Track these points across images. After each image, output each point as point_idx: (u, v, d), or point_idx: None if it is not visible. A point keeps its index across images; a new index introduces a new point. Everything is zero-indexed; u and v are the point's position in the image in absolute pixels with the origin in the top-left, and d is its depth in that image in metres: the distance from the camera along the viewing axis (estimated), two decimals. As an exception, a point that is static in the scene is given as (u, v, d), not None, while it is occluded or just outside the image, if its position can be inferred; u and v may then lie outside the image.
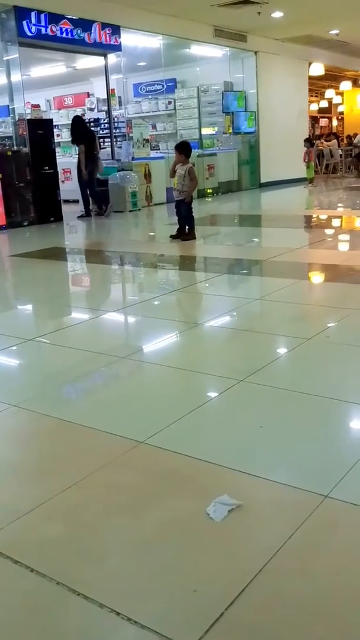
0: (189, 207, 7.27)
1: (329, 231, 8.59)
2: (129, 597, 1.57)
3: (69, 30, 10.00)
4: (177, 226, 7.41)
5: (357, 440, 2.42)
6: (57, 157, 10.32)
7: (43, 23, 9.53)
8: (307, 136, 14.42)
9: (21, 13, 9.23)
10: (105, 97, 12.39)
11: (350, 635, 1.43)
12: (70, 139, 11.89)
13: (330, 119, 27.43)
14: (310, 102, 20.52)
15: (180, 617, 1.50)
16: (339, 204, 11.99)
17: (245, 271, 6.03)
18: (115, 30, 10.81)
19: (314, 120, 24.92)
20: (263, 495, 2.00)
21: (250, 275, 5.85)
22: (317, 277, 5.57)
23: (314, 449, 2.28)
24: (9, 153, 9.45)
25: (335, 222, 9.47)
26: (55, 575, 1.65)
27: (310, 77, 16.89)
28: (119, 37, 10.92)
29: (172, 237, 7.35)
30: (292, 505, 1.93)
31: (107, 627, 1.49)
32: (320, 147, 19.08)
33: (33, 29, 9.42)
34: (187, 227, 7.28)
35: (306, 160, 14.39)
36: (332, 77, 20.25)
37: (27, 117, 9.74)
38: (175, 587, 1.60)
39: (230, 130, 14.28)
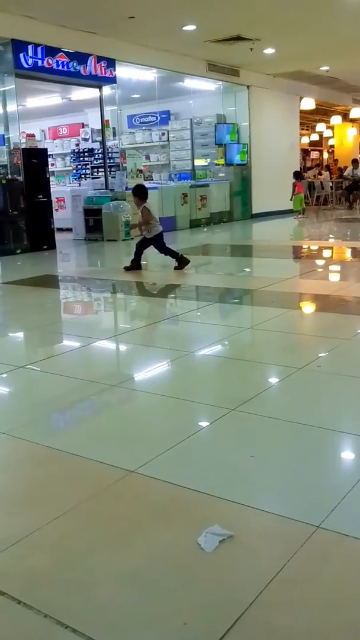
0: (160, 243, 7.34)
1: (319, 262, 8.66)
2: (118, 630, 1.54)
3: (65, 62, 10.17)
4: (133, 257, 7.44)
5: (348, 470, 2.40)
6: (51, 186, 10.41)
7: (40, 55, 9.70)
8: (297, 169, 14.61)
9: (18, 46, 9.39)
10: (100, 127, 12.55)
11: (343, 670, 1.41)
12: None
13: (321, 151, 27.87)
14: (302, 135, 20.88)
15: (170, 651, 1.47)
16: (330, 235, 12.12)
17: (236, 300, 6.05)
18: (111, 63, 11.00)
19: (305, 152, 25.31)
20: (254, 526, 1.98)
21: (241, 305, 5.88)
22: (308, 307, 5.60)
23: (305, 479, 2.27)
24: (4, 181, 9.52)
25: (326, 253, 9.56)
26: (42, 608, 1.62)
27: (302, 111, 17.21)
28: (114, 69, 11.11)
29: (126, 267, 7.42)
30: (283, 536, 1.91)
31: (95, 661, 1.46)
32: (311, 180, 19.37)
33: (30, 61, 9.57)
34: (178, 257, 7.28)
35: (295, 194, 14.57)
36: (322, 112, 20.63)
37: (22, 147, 9.84)
38: (165, 620, 1.57)
39: (223, 162, 14.47)
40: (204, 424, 2.85)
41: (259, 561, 1.80)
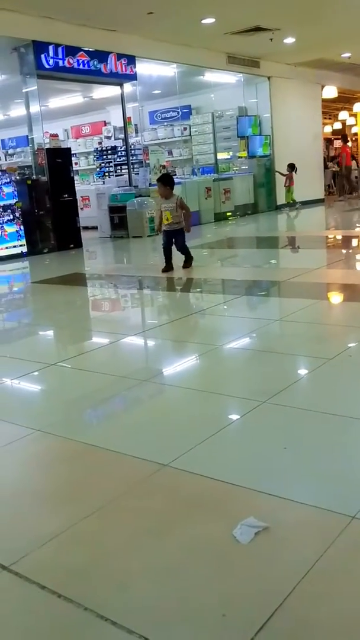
0: (184, 237, 7.02)
1: (346, 251, 8.57)
2: (157, 623, 1.56)
3: (85, 61, 10.22)
4: (171, 259, 7.00)
5: (383, 460, 2.39)
6: (75, 185, 10.47)
7: (60, 56, 9.75)
8: (292, 162, 14.39)
9: (39, 47, 9.46)
10: (122, 125, 12.58)
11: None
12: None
13: (344, 140, 27.47)
14: (324, 124, 20.63)
15: (209, 642, 1.49)
16: (356, 225, 11.98)
17: (264, 292, 6.03)
18: (131, 60, 11.02)
19: (328, 142, 25.01)
20: (289, 517, 1.98)
21: (269, 297, 5.85)
22: (336, 297, 5.55)
23: (339, 470, 2.26)
24: (29, 182, 9.62)
25: (353, 243, 9.46)
26: (82, 601, 1.65)
27: (324, 100, 17.01)
28: (134, 66, 11.12)
29: (165, 269, 6.93)
30: (319, 527, 1.90)
31: (135, 653, 1.48)
32: (335, 170, 19.16)
33: (51, 61, 9.63)
34: (187, 256, 7.03)
35: (287, 185, 14.40)
36: (345, 99, 20.36)
37: (46, 147, 9.91)
38: (204, 612, 1.58)
39: (245, 155, 14.39)
40: (236, 416, 2.86)
41: (295, 553, 1.80)
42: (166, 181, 7.04)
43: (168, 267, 6.95)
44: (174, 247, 7.02)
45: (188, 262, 7.03)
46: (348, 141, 18.06)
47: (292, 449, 2.44)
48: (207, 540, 1.88)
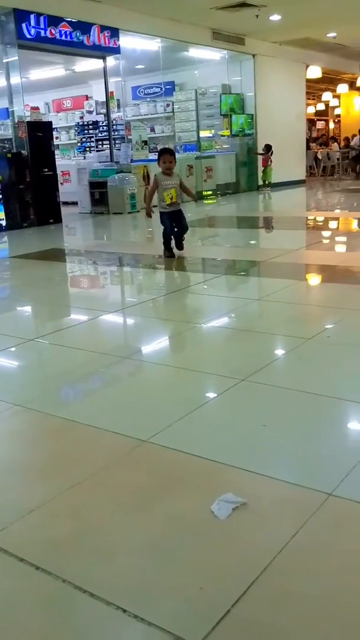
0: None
1: (326, 233, 8.61)
2: (135, 595, 1.57)
3: (68, 32, 10.02)
4: (172, 240, 6.38)
5: (359, 438, 2.42)
6: (56, 160, 10.34)
7: (42, 26, 9.56)
8: (268, 143, 14.34)
9: (20, 16, 9.25)
10: (104, 99, 12.41)
11: (356, 634, 1.44)
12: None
13: (327, 121, 27.48)
14: (308, 104, 20.57)
15: (187, 615, 1.51)
16: (337, 206, 12.02)
17: (243, 272, 6.04)
18: (114, 32, 10.84)
19: (311, 123, 24.97)
20: (267, 493, 2.00)
21: (249, 276, 5.87)
22: (315, 278, 5.58)
23: (317, 447, 2.29)
24: (9, 155, 9.47)
25: (333, 224, 9.50)
26: (60, 573, 1.65)
27: (308, 80, 16.95)
28: (118, 39, 10.95)
29: (170, 255, 6.33)
30: (296, 503, 1.93)
31: (114, 625, 1.49)
32: (316, 150, 19.17)
33: (32, 31, 9.44)
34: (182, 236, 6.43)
35: (264, 165, 14.38)
36: (329, 80, 20.31)
37: (27, 120, 9.75)
38: (182, 585, 1.60)
39: (228, 133, 14.31)
40: (215, 394, 2.87)
41: (272, 528, 1.82)
42: (174, 154, 6.37)
43: (171, 252, 6.33)
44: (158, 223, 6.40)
45: (182, 246, 6.41)
46: None
47: (270, 427, 2.47)
48: (185, 515, 1.90)
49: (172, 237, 6.34)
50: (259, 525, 1.85)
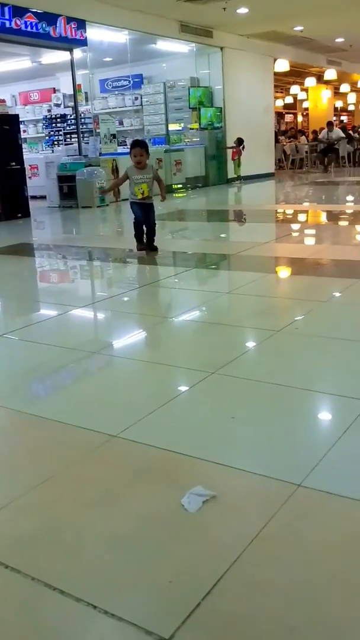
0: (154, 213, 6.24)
1: (295, 225, 8.67)
2: (105, 590, 1.57)
3: (33, 23, 9.88)
4: (144, 236, 6.17)
5: (327, 429, 2.45)
6: (24, 153, 10.21)
7: (7, 16, 9.40)
8: (240, 137, 14.34)
9: (-16, 6, 9.10)
10: (72, 92, 12.28)
11: (325, 622, 1.45)
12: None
13: (295, 114, 27.65)
14: (276, 98, 20.67)
15: (157, 609, 1.51)
16: (306, 199, 12.11)
17: (213, 266, 6.05)
18: (81, 24, 10.72)
19: (279, 116, 25.09)
20: (237, 486, 2.01)
21: (219, 270, 5.88)
22: (284, 271, 5.62)
23: (286, 439, 2.30)
24: (-26, 149, 9.32)
25: (301, 217, 9.57)
26: (30, 571, 1.64)
27: (276, 74, 17.01)
28: (85, 31, 10.83)
29: (143, 248, 6.13)
30: (265, 495, 1.94)
31: (84, 621, 1.48)
32: (285, 143, 19.29)
33: (-4, 22, 9.29)
34: (153, 236, 6.19)
35: (234, 159, 14.42)
36: (297, 74, 20.41)
37: (-8, 112, 9.61)
38: (152, 579, 1.60)
39: (197, 126, 14.30)
40: (185, 387, 2.87)
41: (242, 520, 1.83)
42: (146, 147, 6.07)
43: (144, 245, 6.10)
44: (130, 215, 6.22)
45: (153, 244, 6.16)
46: None
47: (240, 419, 2.48)
48: (155, 509, 1.89)
49: (144, 227, 6.10)
50: (229, 517, 1.85)
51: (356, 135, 20.56)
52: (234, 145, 14.32)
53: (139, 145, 6.02)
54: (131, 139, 14.05)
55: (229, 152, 14.56)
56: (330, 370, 3.03)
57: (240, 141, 14.26)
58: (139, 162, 5.95)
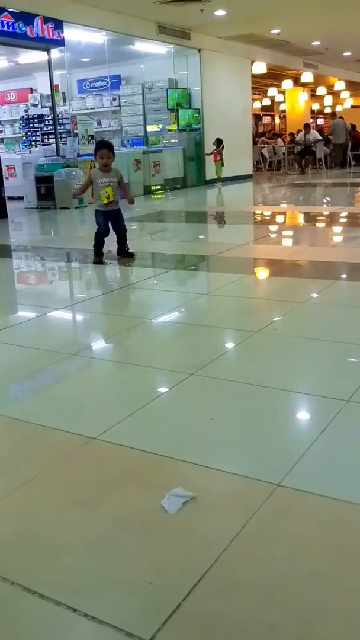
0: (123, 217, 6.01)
1: (273, 227, 8.72)
2: (85, 593, 1.56)
3: (10, 23, 9.81)
4: (116, 245, 6.05)
5: (305, 429, 2.47)
6: (0, 154, 10.12)
7: (-17, 16, 9.33)
8: (219, 138, 14.39)
9: None
10: (49, 93, 12.22)
11: (305, 618, 1.46)
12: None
13: (272, 116, 27.81)
14: (254, 100, 20.78)
15: (137, 610, 1.51)
16: (283, 200, 12.18)
17: (192, 267, 6.06)
18: (58, 24, 10.67)
19: (257, 118, 25.23)
20: (216, 486, 2.02)
21: (197, 271, 5.89)
22: (262, 272, 5.65)
23: (264, 439, 2.32)
24: None
25: (279, 218, 9.62)
26: (9, 575, 1.63)
27: (253, 76, 17.10)
28: (62, 31, 10.78)
29: (99, 261, 5.86)
30: (244, 495, 1.95)
31: (64, 625, 1.48)
32: (263, 145, 19.38)
33: (-28, 21, 9.21)
34: (125, 241, 6.02)
35: (216, 160, 14.47)
36: (274, 76, 20.53)
37: (-32, 112, 9.52)
38: (132, 581, 1.60)
39: (175, 128, 14.31)
40: (164, 389, 2.87)
41: (221, 520, 1.84)
42: (112, 148, 5.81)
43: (101, 258, 5.86)
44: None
45: (127, 250, 6.00)
46: None
47: (219, 420, 2.48)
48: (135, 511, 1.89)
49: (104, 239, 5.86)
50: (208, 518, 1.86)
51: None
52: (214, 147, 14.35)
53: (106, 147, 5.78)
54: (109, 139, 14.10)
55: (210, 156, 14.55)
56: (308, 370, 3.05)
57: (219, 142, 14.29)
58: (106, 164, 5.73)
